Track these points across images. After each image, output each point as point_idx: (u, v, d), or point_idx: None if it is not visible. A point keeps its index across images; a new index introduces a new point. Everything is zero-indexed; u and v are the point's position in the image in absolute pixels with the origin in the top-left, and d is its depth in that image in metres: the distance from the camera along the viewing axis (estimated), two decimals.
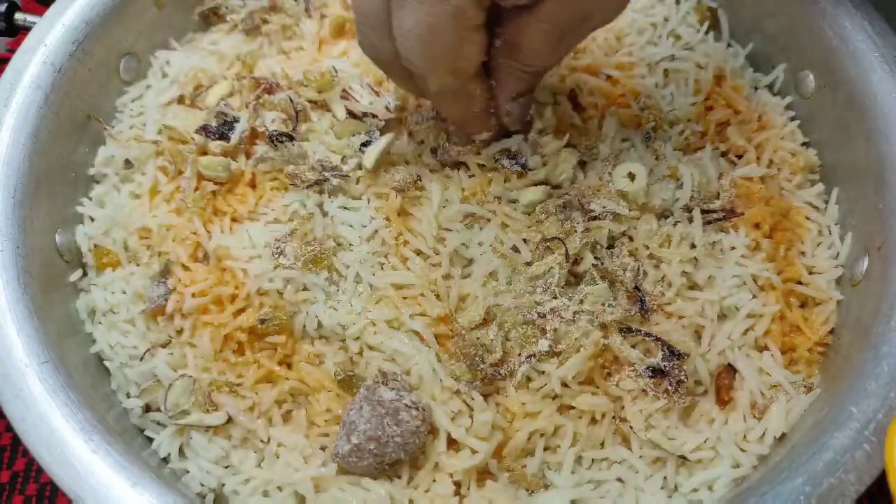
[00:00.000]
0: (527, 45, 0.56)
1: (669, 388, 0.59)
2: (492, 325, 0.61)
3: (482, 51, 0.57)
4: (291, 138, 0.70)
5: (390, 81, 0.74)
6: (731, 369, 0.63)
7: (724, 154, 0.73)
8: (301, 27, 0.81)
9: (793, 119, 0.76)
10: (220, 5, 0.83)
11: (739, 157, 0.73)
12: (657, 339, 0.61)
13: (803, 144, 0.74)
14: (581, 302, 0.62)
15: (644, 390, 0.60)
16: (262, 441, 0.61)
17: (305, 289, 0.64)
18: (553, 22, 0.54)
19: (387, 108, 0.72)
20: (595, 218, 0.66)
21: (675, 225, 0.67)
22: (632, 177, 0.66)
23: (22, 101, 0.67)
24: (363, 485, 0.58)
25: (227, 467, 0.60)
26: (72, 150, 0.72)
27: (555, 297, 0.62)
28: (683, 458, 0.59)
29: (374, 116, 0.72)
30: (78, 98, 0.72)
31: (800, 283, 0.66)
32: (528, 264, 0.64)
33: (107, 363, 0.65)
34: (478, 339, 0.60)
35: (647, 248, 0.65)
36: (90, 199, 0.72)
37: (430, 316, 0.62)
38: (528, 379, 0.61)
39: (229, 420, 0.60)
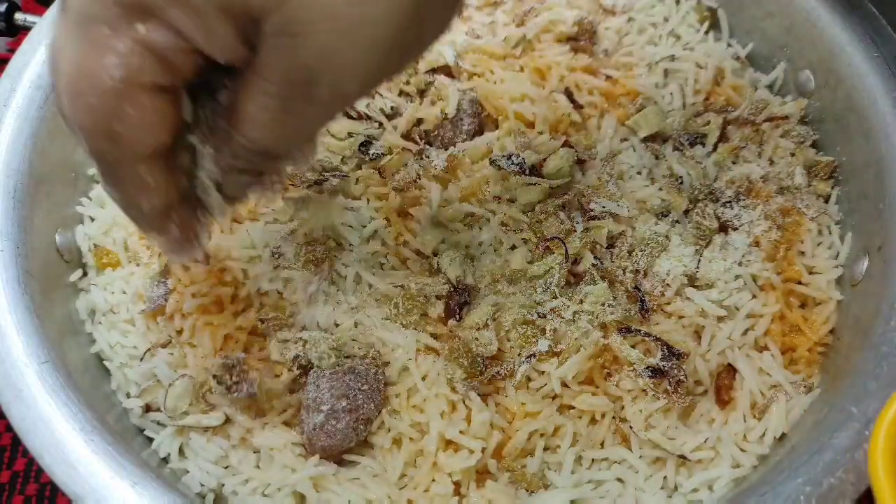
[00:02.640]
0: (246, 111, 0.42)
1: (669, 388, 0.59)
2: (489, 324, 0.61)
3: (164, 123, 0.41)
4: None
5: (385, 82, 0.74)
6: (731, 369, 0.63)
7: None
8: None
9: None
10: None
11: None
12: (657, 339, 0.61)
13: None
14: (581, 302, 0.62)
15: (644, 390, 0.60)
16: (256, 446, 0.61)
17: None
18: (271, 80, 0.40)
19: (382, 110, 0.73)
20: (594, 218, 0.66)
21: (674, 224, 0.67)
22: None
23: (22, 101, 0.67)
24: (362, 482, 0.58)
25: (226, 467, 0.60)
26: (72, 150, 0.72)
27: (555, 297, 0.62)
28: (683, 457, 0.59)
29: (370, 118, 0.72)
30: None
31: (800, 283, 0.66)
32: (529, 264, 0.64)
33: (107, 363, 0.65)
34: (476, 339, 0.60)
35: (647, 247, 0.65)
36: (90, 199, 0.72)
37: (430, 316, 0.62)
38: (528, 379, 0.60)
39: (228, 420, 0.60)
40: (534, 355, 0.60)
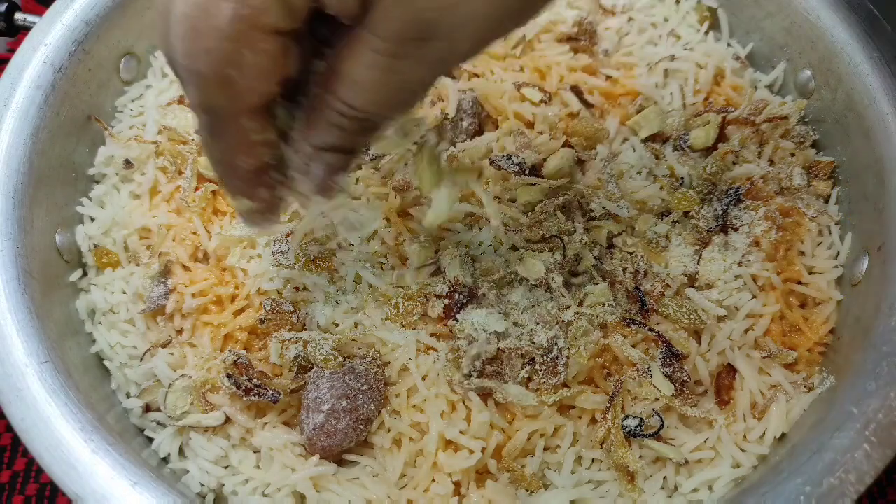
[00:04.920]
0: (348, 72, 0.41)
1: (675, 390, 0.59)
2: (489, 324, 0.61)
3: (277, 71, 0.41)
4: None
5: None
6: (731, 369, 0.63)
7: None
8: None
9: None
10: None
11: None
12: (659, 334, 0.60)
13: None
14: (581, 302, 0.62)
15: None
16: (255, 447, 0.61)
17: (305, 289, 0.64)
18: (383, 34, 0.39)
19: None
20: (594, 218, 0.66)
21: (674, 224, 0.67)
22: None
23: (22, 101, 0.67)
24: (362, 482, 0.58)
25: (226, 467, 0.60)
26: (72, 150, 0.72)
27: (554, 297, 0.62)
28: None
29: None
30: (78, 98, 0.72)
31: (800, 283, 0.66)
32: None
33: (107, 363, 0.65)
34: (476, 339, 0.60)
35: (647, 247, 0.65)
36: (90, 199, 0.72)
37: (429, 316, 0.62)
38: (528, 379, 0.60)
39: (228, 420, 0.60)
40: (533, 359, 0.60)
